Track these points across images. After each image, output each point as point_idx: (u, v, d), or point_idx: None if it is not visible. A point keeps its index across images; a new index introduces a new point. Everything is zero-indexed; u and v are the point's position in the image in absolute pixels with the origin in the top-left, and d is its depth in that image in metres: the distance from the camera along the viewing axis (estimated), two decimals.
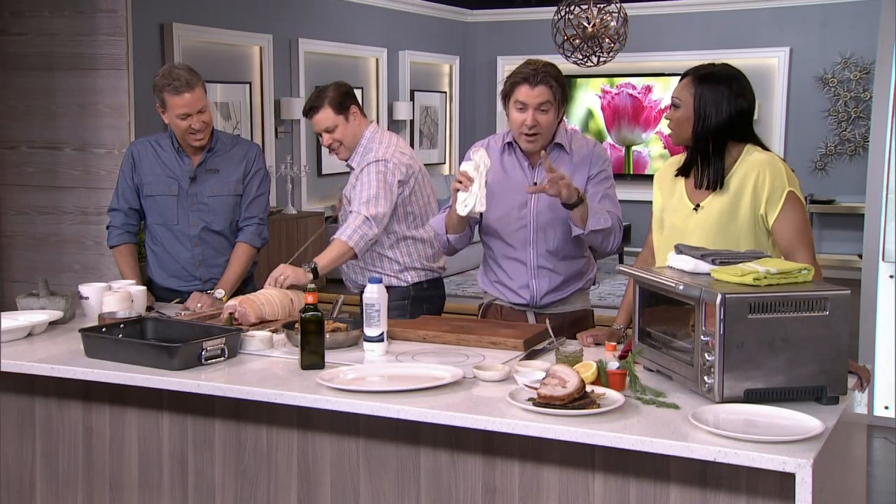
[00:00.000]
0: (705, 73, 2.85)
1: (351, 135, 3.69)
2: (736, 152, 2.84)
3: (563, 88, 3.23)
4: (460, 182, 3.09)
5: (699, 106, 2.80)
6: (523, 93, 3.17)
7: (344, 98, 3.67)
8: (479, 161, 3.08)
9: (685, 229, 2.88)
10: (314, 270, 3.41)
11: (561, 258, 3.31)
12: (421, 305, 3.68)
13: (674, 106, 2.87)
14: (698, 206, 2.87)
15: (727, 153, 2.83)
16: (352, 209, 3.57)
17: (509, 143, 3.33)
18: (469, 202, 3.09)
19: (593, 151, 3.34)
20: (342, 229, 3.53)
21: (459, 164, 8.91)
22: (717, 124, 2.80)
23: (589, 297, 3.50)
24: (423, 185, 3.73)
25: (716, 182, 2.82)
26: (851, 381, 2.44)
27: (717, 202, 2.83)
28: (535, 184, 3.23)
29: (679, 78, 2.93)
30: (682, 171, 2.94)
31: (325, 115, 3.66)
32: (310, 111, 3.70)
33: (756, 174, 2.79)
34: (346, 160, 3.76)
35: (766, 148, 2.88)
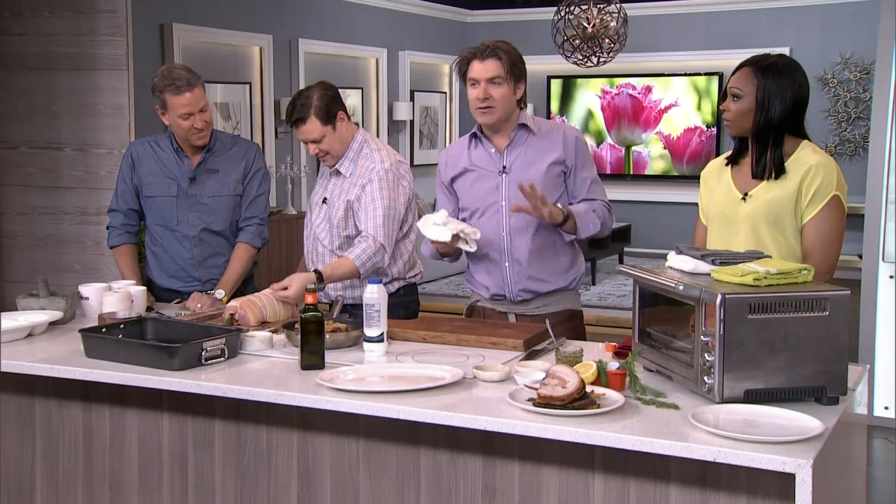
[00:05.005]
0: (768, 63, 2.86)
1: (338, 143, 3.52)
2: (790, 146, 2.87)
3: (515, 62, 3.26)
4: (445, 244, 3.18)
5: (763, 97, 2.82)
6: (474, 68, 3.25)
7: (330, 105, 3.48)
8: (437, 221, 3.16)
9: (735, 218, 2.91)
10: (318, 275, 3.38)
11: (537, 242, 3.29)
12: (398, 311, 3.53)
13: (733, 97, 2.88)
14: (746, 194, 2.90)
15: (784, 144, 2.86)
16: (366, 232, 3.46)
17: (473, 134, 3.39)
18: (469, 241, 3.20)
19: (566, 134, 3.34)
20: (357, 252, 3.43)
21: None
22: (780, 115, 2.83)
23: (578, 298, 3.46)
24: (410, 198, 3.62)
25: (774, 170, 2.85)
26: (852, 379, 2.44)
27: (767, 193, 2.86)
28: (505, 168, 3.30)
29: (735, 69, 2.92)
30: (732, 160, 2.99)
31: (312, 127, 3.46)
32: (295, 122, 3.48)
33: (807, 171, 2.82)
34: (333, 166, 3.59)
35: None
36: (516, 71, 3.26)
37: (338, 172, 3.59)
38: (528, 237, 3.28)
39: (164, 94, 3.58)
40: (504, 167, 3.30)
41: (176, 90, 3.55)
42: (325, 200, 3.62)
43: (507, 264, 3.31)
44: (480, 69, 3.23)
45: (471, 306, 3.49)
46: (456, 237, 3.18)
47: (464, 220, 3.36)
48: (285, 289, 3.28)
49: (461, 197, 3.40)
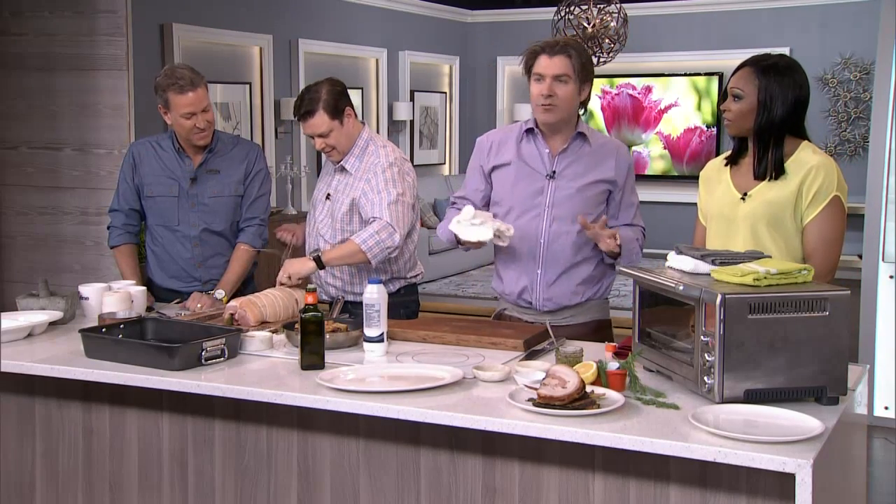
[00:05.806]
0: (769, 63, 2.85)
1: (345, 138, 3.55)
2: (790, 147, 2.87)
3: (585, 64, 3.17)
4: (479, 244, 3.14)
5: (764, 97, 2.82)
6: (541, 62, 3.15)
7: (338, 100, 3.52)
8: (473, 221, 3.11)
9: (734, 218, 2.91)
10: (318, 259, 3.39)
11: (574, 253, 3.23)
12: (398, 311, 3.52)
13: (734, 97, 2.87)
14: (746, 194, 2.90)
15: (784, 145, 2.86)
16: (372, 216, 3.46)
17: (529, 130, 3.28)
18: (503, 237, 3.15)
19: (619, 153, 3.30)
20: (359, 233, 3.43)
21: (460, 166, 8.86)
22: (781, 116, 2.82)
23: (607, 305, 3.39)
24: (414, 194, 3.61)
25: (774, 171, 2.84)
26: (852, 379, 2.44)
27: (766, 193, 2.86)
28: (554, 172, 3.22)
29: (735, 69, 2.91)
30: (731, 160, 2.98)
31: (320, 121, 3.50)
32: (304, 116, 3.52)
33: (807, 172, 2.82)
34: (338, 162, 3.62)
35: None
36: (585, 72, 3.17)
37: (343, 169, 3.60)
38: (567, 245, 3.21)
39: (167, 93, 3.58)
40: (554, 172, 3.22)
41: (179, 89, 3.56)
42: (328, 197, 3.64)
43: (539, 270, 3.24)
44: (548, 64, 3.13)
45: (498, 314, 3.42)
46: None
47: (495, 214, 3.27)
48: (289, 278, 3.35)
49: (497, 189, 3.31)
